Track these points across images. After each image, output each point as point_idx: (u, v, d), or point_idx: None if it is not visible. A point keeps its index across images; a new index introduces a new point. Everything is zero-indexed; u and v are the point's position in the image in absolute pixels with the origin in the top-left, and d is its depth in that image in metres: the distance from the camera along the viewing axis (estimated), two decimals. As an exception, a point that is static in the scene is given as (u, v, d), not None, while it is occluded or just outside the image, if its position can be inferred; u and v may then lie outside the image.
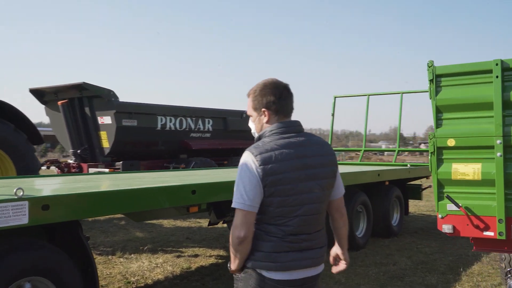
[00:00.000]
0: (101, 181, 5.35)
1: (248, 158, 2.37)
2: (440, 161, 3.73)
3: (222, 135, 13.25)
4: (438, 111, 3.74)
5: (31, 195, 3.30)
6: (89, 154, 10.86)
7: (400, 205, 9.16)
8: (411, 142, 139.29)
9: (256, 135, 2.56)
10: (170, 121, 11.63)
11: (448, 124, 3.75)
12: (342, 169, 3.43)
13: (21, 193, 3.18)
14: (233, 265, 2.46)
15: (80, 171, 10.53)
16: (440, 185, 3.77)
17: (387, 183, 8.69)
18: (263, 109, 2.47)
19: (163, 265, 6.63)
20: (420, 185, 10.18)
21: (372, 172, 7.81)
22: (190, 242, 8.29)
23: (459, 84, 3.72)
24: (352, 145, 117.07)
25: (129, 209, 4.04)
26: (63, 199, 3.46)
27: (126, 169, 10.47)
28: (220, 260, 6.97)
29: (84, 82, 10.01)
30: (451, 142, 3.65)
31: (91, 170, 10.29)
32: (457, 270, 6.38)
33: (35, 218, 3.25)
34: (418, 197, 10.18)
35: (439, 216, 3.80)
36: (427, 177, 10.06)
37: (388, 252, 7.49)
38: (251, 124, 2.61)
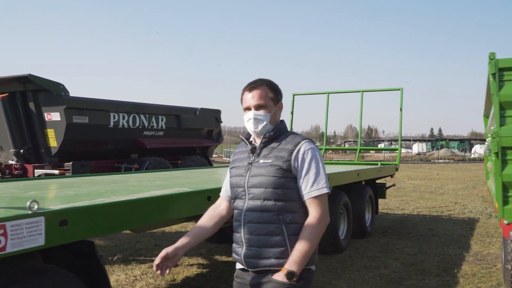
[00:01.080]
0: (102, 185, 4.59)
1: (314, 145, 2.42)
2: (504, 162, 3.46)
3: (175, 134, 12.54)
4: (502, 108, 3.46)
5: (47, 209, 2.61)
6: (33, 154, 9.74)
7: (371, 205, 9.04)
8: (331, 140, 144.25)
9: (268, 127, 2.45)
10: (123, 118, 10.76)
11: (515, 122, 3.49)
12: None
13: (36, 207, 2.50)
14: (301, 265, 2.27)
15: (24, 173, 9.42)
16: (506, 188, 3.51)
17: (363, 182, 8.53)
18: (281, 103, 2.50)
19: (143, 277, 5.94)
20: (384, 183, 10.16)
21: (353, 172, 7.56)
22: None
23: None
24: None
25: (162, 218, 3.41)
26: (84, 212, 2.79)
27: (76, 170, 9.52)
28: (204, 269, 6.38)
29: (30, 74, 8.93)
30: (517, 142, 3.39)
31: (38, 172, 9.21)
32: (451, 272, 6.26)
33: (52, 238, 2.58)
34: (383, 196, 10.16)
35: (505, 222, 3.54)
36: (391, 175, 10.07)
37: (372, 254, 7.28)
38: (262, 114, 2.43)
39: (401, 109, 10.46)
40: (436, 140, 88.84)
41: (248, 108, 2.47)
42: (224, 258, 6.96)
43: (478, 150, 65.18)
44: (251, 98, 2.45)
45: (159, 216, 3.31)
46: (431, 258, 7.01)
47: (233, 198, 2.53)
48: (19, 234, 2.41)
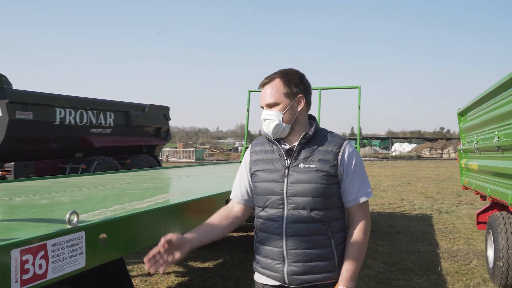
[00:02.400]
0: (91, 190, 3.98)
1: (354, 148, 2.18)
2: None
3: (123, 131, 11.77)
4: None
5: (86, 222, 2.10)
6: (-33, 154, 8.67)
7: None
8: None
9: (281, 127, 2.12)
10: (70, 114, 9.90)
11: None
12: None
13: (75, 219, 2.00)
14: (356, 280, 2.10)
15: (-42, 175, 8.33)
16: None
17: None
18: (300, 95, 2.14)
19: None
20: None
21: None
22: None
23: None
24: (202, 141, 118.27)
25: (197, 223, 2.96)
26: (124, 224, 2.31)
27: (19, 172, 8.59)
28: (183, 278, 5.90)
29: (-34, 64, 7.88)
30: None
31: (-25, 173, 8.20)
32: (435, 270, 6.24)
33: (92, 258, 2.09)
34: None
35: None
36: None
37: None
38: (273, 114, 2.12)
39: (359, 107, 10.46)
40: (355, 139, 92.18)
41: (262, 107, 2.19)
42: (199, 264, 6.51)
43: (398, 148, 68.63)
44: (263, 95, 2.17)
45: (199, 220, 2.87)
46: (408, 256, 6.99)
47: (261, 206, 2.17)
48: (60, 256, 1.92)
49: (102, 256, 2.16)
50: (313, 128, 2.16)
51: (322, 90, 10.86)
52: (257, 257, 2.20)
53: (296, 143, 2.13)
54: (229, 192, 3.44)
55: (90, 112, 10.52)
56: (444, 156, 58.86)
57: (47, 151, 9.85)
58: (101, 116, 10.88)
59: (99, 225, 2.13)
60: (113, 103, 11.49)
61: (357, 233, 2.10)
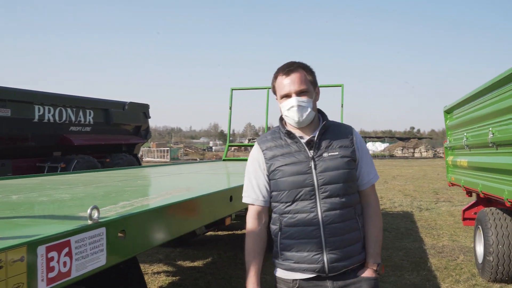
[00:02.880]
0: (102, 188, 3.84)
1: None
2: None
3: (103, 130, 11.52)
4: None
5: (106, 218, 2.00)
6: None
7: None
8: (231, 138, 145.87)
9: (312, 114, 2.14)
10: (49, 111, 9.63)
11: None
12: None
13: (96, 215, 1.91)
14: (380, 251, 2.24)
15: None
16: None
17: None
18: (318, 87, 2.22)
19: None
20: None
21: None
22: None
23: None
24: (175, 141, 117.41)
25: (210, 219, 2.89)
26: (143, 219, 2.22)
27: (-4, 170, 8.30)
28: (174, 277, 5.78)
29: None
30: None
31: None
32: (424, 266, 6.30)
33: (112, 255, 2.00)
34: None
35: None
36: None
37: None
38: (306, 101, 2.11)
39: (342, 105, 10.50)
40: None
41: (287, 95, 2.13)
42: (188, 264, 6.40)
43: (371, 147, 69.51)
44: (291, 83, 2.11)
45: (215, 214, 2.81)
46: (396, 252, 7.04)
47: (289, 201, 2.13)
48: (82, 253, 1.82)
49: (121, 253, 2.07)
50: (326, 117, 2.22)
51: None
52: (286, 253, 2.15)
53: (314, 134, 2.16)
54: (232, 188, 3.40)
55: (69, 110, 10.26)
56: (416, 155, 59.91)
57: (25, 149, 9.56)
58: (81, 113, 10.62)
59: (118, 221, 2.04)
60: (92, 100, 11.23)
61: (375, 214, 2.23)
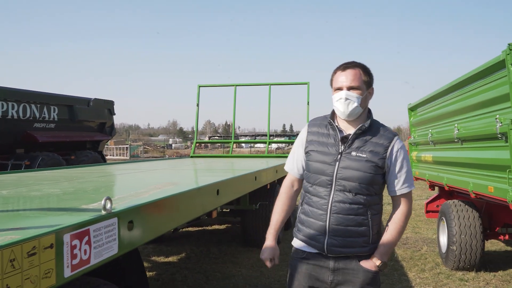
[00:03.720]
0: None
1: (402, 142, 2.41)
2: None
3: (67, 126, 11.32)
4: None
5: (118, 209, 2.08)
6: None
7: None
8: (190, 136, 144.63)
9: (358, 109, 2.32)
10: (13, 107, 9.39)
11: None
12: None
13: (110, 205, 1.99)
14: (389, 256, 2.40)
15: None
16: None
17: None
18: (372, 88, 2.40)
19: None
20: None
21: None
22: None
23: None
24: (133, 138, 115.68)
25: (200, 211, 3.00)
26: (147, 210, 2.31)
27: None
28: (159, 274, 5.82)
29: None
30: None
31: None
32: (390, 257, 6.58)
33: (123, 244, 2.08)
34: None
35: None
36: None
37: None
38: (354, 96, 2.31)
39: (308, 103, 10.74)
40: (290, 135, 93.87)
41: (339, 89, 2.34)
42: (163, 259, 6.45)
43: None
44: (345, 78, 2.33)
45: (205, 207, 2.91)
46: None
47: (311, 183, 2.40)
48: (99, 241, 1.91)
49: (130, 242, 2.15)
50: (369, 121, 2.36)
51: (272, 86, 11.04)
52: (300, 226, 2.43)
53: (352, 132, 2.34)
54: (219, 182, 3.51)
55: (33, 106, 10.04)
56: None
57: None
58: (45, 110, 10.41)
59: (128, 211, 2.12)
60: (57, 96, 11.02)
61: (399, 216, 2.39)
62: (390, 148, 2.32)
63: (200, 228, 8.68)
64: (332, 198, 2.30)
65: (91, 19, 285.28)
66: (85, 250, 1.79)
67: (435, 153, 6.20)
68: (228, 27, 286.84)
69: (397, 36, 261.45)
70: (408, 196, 2.40)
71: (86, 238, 1.80)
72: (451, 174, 5.51)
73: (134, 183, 3.91)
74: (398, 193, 2.37)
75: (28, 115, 9.91)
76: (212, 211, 4.14)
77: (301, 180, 2.52)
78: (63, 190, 3.23)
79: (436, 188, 7.13)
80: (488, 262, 6.08)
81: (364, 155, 2.29)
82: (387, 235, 2.36)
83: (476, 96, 4.49)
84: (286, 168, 2.58)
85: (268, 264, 2.43)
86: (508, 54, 3.64)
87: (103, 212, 1.95)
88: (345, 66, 2.36)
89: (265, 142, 11.64)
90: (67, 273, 1.68)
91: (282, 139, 66.65)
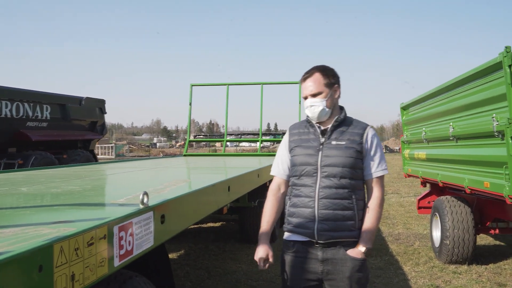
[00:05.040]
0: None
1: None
2: None
3: (59, 125, 11.30)
4: None
5: (153, 202, 2.20)
6: None
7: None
8: (174, 135, 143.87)
9: (325, 111, 2.54)
10: (6, 106, 9.36)
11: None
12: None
13: (146, 200, 2.10)
14: (373, 242, 2.54)
15: None
16: None
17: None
18: (336, 85, 2.58)
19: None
20: None
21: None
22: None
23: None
24: (117, 137, 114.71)
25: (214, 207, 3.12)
26: (177, 204, 2.44)
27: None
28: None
29: None
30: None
31: None
32: (386, 251, 6.77)
33: (157, 236, 2.20)
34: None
35: None
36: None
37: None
38: (318, 101, 2.53)
39: (300, 102, 10.89)
40: (275, 134, 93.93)
41: (305, 97, 2.59)
42: (172, 256, 6.53)
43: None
44: (307, 87, 2.56)
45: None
46: (357, 240, 7.47)
47: (297, 175, 2.57)
48: (140, 234, 2.03)
49: (163, 234, 2.26)
50: (343, 114, 2.61)
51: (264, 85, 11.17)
52: (290, 218, 2.59)
53: (329, 125, 2.55)
54: (230, 179, 3.64)
55: (26, 104, 10.01)
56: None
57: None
58: (38, 109, 10.39)
59: (161, 205, 2.24)
60: (50, 95, 11.00)
61: (375, 203, 2.55)
62: (365, 135, 2.54)
63: (196, 226, 8.77)
64: (319, 184, 2.48)
65: (78, 18, 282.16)
66: (129, 242, 1.90)
67: (429, 150, 6.40)
68: (225, 26, 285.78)
69: (398, 36, 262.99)
70: (381, 181, 2.59)
71: (130, 230, 1.91)
72: (445, 171, 5.71)
73: (145, 180, 4.00)
74: (374, 175, 2.54)
75: (21, 113, 9.89)
76: (224, 207, 4.25)
77: (287, 181, 2.68)
78: (81, 187, 3.31)
79: (428, 184, 7.34)
80: (479, 256, 6.30)
81: (343, 143, 2.50)
82: (368, 222, 2.51)
83: (473, 96, 4.69)
84: (272, 172, 2.74)
85: (262, 264, 2.54)
86: (505, 56, 3.83)
87: (141, 206, 2.06)
88: (305, 77, 2.59)
89: (257, 141, 11.77)
90: (116, 262, 1.80)
91: (268, 137, 66.85)
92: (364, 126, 2.59)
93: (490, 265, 6.00)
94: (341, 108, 2.64)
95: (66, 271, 1.46)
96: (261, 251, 2.54)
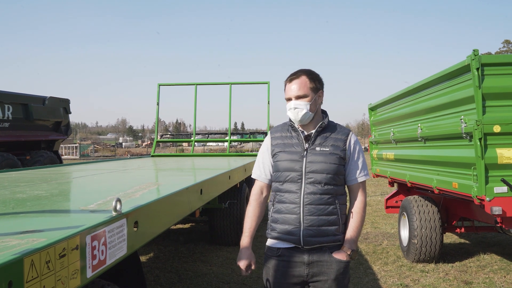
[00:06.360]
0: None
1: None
2: (485, 147, 3.93)
3: (22, 125, 10.94)
4: (483, 99, 3.93)
5: (126, 209, 2.13)
6: None
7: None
8: (140, 134, 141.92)
9: (308, 114, 2.52)
10: (-35, 106, 8.98)
11: (493, 111, 3.98)
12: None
13: (119, 206, 2.04)
14: (357, 244, 2.57)
15: None
16: (487, 169, 3.98)
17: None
18: (321, 91, 2.59)
19: None
20: None
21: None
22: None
23: (505, 74, 3.98)
24: (81, 137, 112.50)
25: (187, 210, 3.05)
26: (150, 210, 2.38)
27: None
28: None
29: None
30: (496, 128, 3.89)
31: None
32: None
33: (131, 243, 2.14)
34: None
35: (487, 199, 4.00)
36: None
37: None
38: (302, 104, 2.52)
39: (268, 102, 10.91)
40: (242, 134, 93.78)
41: (289, 99, 2.57)
42: (142, 259, 6.40)
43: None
44: (292, 88, 2.55)
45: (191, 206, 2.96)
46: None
47: (281, 181, 2.56)
48: (112, 242, 1.96)
49: (136, 242, 2.19)
50: (326, 119, 2.61)
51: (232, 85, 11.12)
52: (273, 225, 2.57)
53: (313, 131, 2.55)
54: (202, 182, 3.58)
55: (-13, 105, 9.65)
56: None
57: None
58: (-1, 108, 10.04)
59: (134, 212, 2.17)
60: (12, 94, 10.63)
61: (359, 207, 2.59)
62: (348, 141, 2.56)
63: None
64: (304, 190, 2.48)
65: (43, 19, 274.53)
66: (102, 251, 1.83)
67: (397, 151, 6.49)
68: (223, 26, 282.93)
69: (397, 36, 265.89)
70: (364, 185, 2.64)
71: (103, 239, 1.84)
72: (414, 171, 5.80)
73: (115, 183, 3.90)
74: (359, 180, 2.58)
75: (-19, 114, 9.53)
76: (196, 210, 4.19)
77: (269, 185, 2.67)
78: (48, 191, 3.19)
79: (396, 184, 7.45)
80: (446, 254, 6.44)
81: (327, 149, 2.51)
82: (352, 225, 2.55)
83: (441, 98, 4.77)
84: (254, 175, 2.71)
85: (244, 271, 2.53)
86: (473, 59, 3.91)
87: (114, 213, 1.99)
88: (291, 78, 2.57)
89: (226, 141, 11.71)
90: (89, 273, 1.72)
91: (236, 137, 66.63)
92: (347, 132, 2.61)
93: (456, 263, 6.14)
94: (324, 113, 2.65)
95: (37, 285, 1.39)
96: (244, 257, 2.53)
